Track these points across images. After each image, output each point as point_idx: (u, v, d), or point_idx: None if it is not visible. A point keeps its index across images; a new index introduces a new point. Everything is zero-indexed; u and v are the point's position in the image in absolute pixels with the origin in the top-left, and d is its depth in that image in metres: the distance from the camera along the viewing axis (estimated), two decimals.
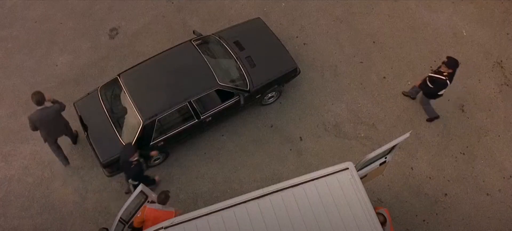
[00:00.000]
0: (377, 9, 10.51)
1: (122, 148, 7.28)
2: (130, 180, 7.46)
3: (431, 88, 8.34)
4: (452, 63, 7.94)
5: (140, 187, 6.60)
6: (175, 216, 6.42)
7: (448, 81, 8.04)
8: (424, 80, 8.47)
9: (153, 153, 7.75)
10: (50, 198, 8.31)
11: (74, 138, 8.66)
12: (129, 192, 7.92)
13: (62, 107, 7.65)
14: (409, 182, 8.61)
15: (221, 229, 5.85)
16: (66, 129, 8.08)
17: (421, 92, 8.82)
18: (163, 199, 6.63)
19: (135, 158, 7.06)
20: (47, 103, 7.50)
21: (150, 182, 7.90)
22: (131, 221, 6.91)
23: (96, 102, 8.14)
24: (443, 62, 8.02)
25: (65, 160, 8.34)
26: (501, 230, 8.27)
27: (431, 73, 8.32)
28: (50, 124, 7.63)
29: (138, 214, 6.70)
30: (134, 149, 7.08)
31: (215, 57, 8.52)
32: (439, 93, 8.38)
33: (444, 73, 8.06)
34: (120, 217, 6.61)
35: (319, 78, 9.59)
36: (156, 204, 6.70)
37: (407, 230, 8.21)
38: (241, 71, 8.49)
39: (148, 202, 6.88)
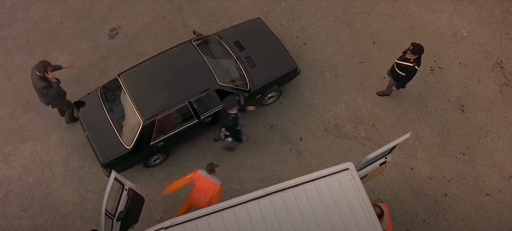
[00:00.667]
0: (377, 9, 10.51)
1: (225, 99, 7.70)
2: (223, 129, 7.90)
3: (403, 77, 8.39)
4: (417, 49, 8.02)
5: (113, 174, 6.59)
6: (218, 190, 6.90)
7: (417, 67, 8.14)
8: (393, 69, 8.53)
9: (251, 108, 8.04)
10: (50, 198, 8.31)
11: (69, 118, 8.72)
12: (219, 139, 8.38)
13: (47, 86, 7.72)
14: (409, 182, 8.61)
15: (221, 229, 5.85)
16: (55, 102, 8.12)
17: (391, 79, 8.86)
18: (210, 170, 6.93)
19: (234, 111, 7.43)
20: (50, 75, 7.70)
21: (239, 138, 8.13)
22: (118, 213, 6.89)
23: (96, 102, 8.14)
24: (409, 49, 8.09)
25: (68, 117, 8.68)
26: (501, 230, 8.27)
27: (398, 60, 8.37)
28: (37, 91, 7.93)
29: (188, 176, 6.98)
30: (236, 103, 7.52)
31: (215, 57, 8.52)
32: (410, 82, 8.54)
33: (411, 60, 8.13)
34: (105, 210, 6.58)
35: (319, 78, 9.59)
36: (205, 172, 6.96)
37: (407, 230, 8.22)
38: (241, 71, 8.49)
39: (125, 190, 6.90)
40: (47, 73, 7.63)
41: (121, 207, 6.90)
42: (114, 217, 6.82)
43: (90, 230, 7.36)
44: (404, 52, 8.29)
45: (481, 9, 10.62)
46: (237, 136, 8.03)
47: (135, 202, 7.11)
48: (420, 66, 8.22)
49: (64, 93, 8.13)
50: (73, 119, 8.74)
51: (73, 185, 8.42)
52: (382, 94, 9.36)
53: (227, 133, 7.89)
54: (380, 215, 6.55)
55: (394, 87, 8.73)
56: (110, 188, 6.59)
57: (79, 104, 8.29)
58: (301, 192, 6.11)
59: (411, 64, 8.13)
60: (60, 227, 8.09)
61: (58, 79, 7.83)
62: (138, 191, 7.15)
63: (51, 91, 7.77)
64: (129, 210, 6.99)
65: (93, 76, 9.44)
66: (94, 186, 8.42)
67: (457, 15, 10.49)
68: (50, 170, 8.54)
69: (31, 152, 8.69)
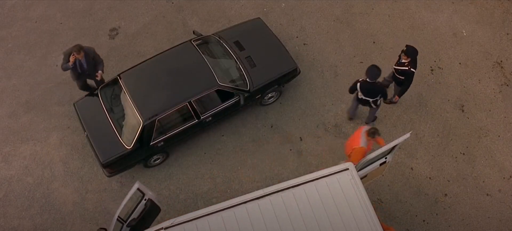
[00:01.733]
0: (377, 9, 10.51)
1: (369, 67, 7.73)
2: (370, 99, 8.07)
3: (404, 81, 8.33)
4: (410, 52, 7.96)
5: (137, 185, 6.54)
6: (354, 149, 7.17)
7: (413, 70, 8.08)
8: (394, 75, 8.48)
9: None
10: (50, 198, 8.31)
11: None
12: (353, 117, 8.56)
13: (65, 62, 8.01)
14: (409, 182, 8.61)
15: (221, 229, 5.85)
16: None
17: (393, 84, 8.84)
18: (371, 133, 7.13)
19: (377, 79, 7.69)
20: (72, 59, 7.89)
21: (386, 95, 8.26)
22: (130, 220, 6.88)
23: (96, 102, 8.15)
24: (403, 51, 8.03)
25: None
26: (501, 230, 8.27)
27: (395, 66, 8.34)
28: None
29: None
30: (379, 73, 7.66)
31: (215, 57, 8.52)
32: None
33: (406, 63, 8.08)
34: (118, 216, 6.58)
35: (319, 78, 9.59)
36: (366, 130, 7.22)
37: (407, 230, 8.22)
38: (241, 71, 8.49)
39: (144, 200, 6.84)
40: (71, 57, 7.82)
41: (134, 215, 6.86)
42: (125, 222, 6.81)
43: (98, 228, 7.30)
44: (400, 57, 8.24)
45: (481, 9, 10.62)
46: (386, 98, 8.29)
47: (150, 211, 7.06)
48: (416, 69, 8.11)
49: (84, 81, 8.55)
50: (84, 89, 8.78)
51: (73, 185, 8.42)
52: (389, 102, 9.25)
53: (376, 98, 8.05)
54: None
55: (396, 97, 8.61)
56: (130, 196, 6.56)
57: (79, 104, 8.29)
58: (301, 192, 6.11)
59: (407, 68, 8.05)
60: (60, 227, 8.09)
61: (72, 67, 7.96)
62: (156, 202, 7.08)
63: (63, 66, 8.04)
64: (143, 218, 6.95)
65: None
66: (94, 186, 8.42)
67: (457, 15, 10.49)
68: (50, 170, 8.54)
69: (31, 152, 8.69)
